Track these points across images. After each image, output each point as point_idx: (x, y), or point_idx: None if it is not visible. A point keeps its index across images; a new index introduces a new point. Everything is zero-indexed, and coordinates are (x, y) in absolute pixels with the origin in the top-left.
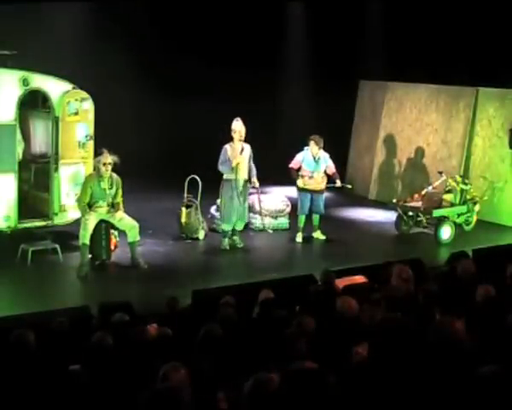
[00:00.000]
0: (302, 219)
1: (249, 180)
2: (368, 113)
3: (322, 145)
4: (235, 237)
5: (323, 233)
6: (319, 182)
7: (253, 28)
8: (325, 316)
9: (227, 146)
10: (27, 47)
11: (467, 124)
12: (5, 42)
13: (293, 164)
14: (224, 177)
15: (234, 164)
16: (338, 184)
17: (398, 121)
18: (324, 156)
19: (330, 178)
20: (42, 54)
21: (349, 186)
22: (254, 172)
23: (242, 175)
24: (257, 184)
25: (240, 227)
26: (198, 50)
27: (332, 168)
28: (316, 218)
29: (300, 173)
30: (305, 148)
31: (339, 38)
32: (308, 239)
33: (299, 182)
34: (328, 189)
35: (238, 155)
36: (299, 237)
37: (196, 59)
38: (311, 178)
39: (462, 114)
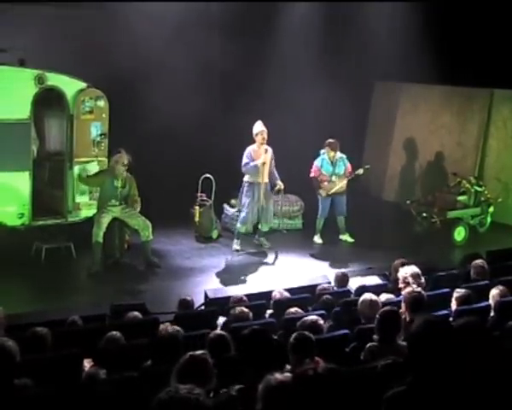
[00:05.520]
0: (321, 222)
1: (272, 186)
2: (382, 114)
3: (338, 149)
4: (261, 239)
5: (351, 236)
6: (339, 185)
7: (253, 28)
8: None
9: (250, 148)
10: (43, 46)
11: (481, 125)
12: (19, 41)
13: (314, 172)
14: (246, 179)
15: (260, 163)
16: (360, 171)
17: (412, 123)
18: (342, 157)
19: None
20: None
21: (367, 166)
22: (277, 175)
23: (264, 178)
24: (282, 187)
25: (265, 229)
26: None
27: (349, 168)
28: (341, 220)
29: (319, 179)
30: (321, 152)
31: (354, 38)
32: (326, 240)
33: (322, 191)
34: (352, 180)
35: (263, 154)
36: (317, 239)
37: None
38: (329, 182)
39: (476, 116)
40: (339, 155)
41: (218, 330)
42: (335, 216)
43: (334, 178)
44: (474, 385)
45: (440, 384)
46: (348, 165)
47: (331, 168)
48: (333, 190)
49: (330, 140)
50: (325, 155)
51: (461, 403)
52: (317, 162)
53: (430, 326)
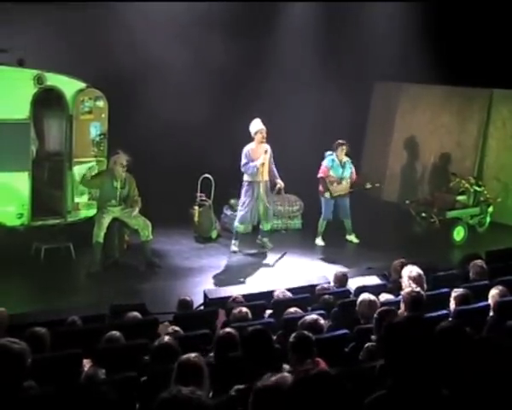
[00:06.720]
0: (324, 224)
1: (271, 184)
2: (382, 114)
3: (348, 150)
4: (264, 239)
5: (357, 237)
6: (345, 187)
7: (253, 28)
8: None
9: (249, 148)
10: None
11: (481, 125)
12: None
13: (323, 173)
14: (246, 179)
15: (259, 163)
16: (368, 185)
17: (411, 123)
18: (348, 161)
19: (355, 182)
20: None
21: (377, 185)
22: (276, 173)
23: (264, 176)
24: (283, 185)
25: (267, 228)
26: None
27: (354, 173)
28: (347, 223)
29: (328, 180)
30: (328, 153)
31: (354, 38)
32: (325, 240)
33: (328, 194)
34: (353, 192)
35: (263, 153)
36: (319, 241)
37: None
38: (339, 183)
39: (476, 116)
40: (345, 157)
41: (227, 329)
42: (340, 219)
43: (344, 182)
44: (458, 389)
45: (420, 387)
46: (353, 169)
47: (340, 170)
48: (337, 192)
49: (342, 141)
50: (334, 155)
51: (444, 405)
52: (326, 163)
53: (392, 331)
